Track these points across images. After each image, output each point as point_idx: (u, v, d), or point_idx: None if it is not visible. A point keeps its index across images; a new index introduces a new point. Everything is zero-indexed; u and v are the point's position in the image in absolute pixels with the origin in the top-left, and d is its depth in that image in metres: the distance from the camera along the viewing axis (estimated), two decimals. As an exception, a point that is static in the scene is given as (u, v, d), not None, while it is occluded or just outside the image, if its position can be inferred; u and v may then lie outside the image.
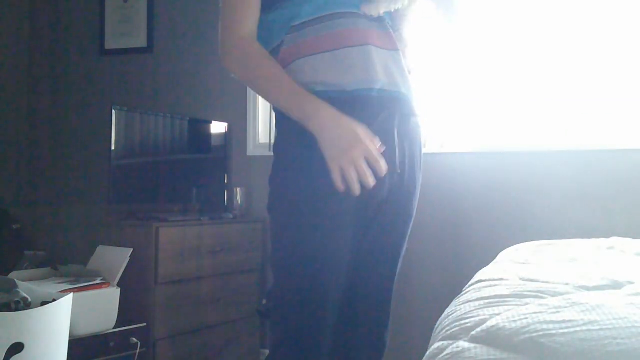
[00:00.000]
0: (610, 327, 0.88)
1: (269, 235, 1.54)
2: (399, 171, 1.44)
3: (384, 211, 1.46)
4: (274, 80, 1.35)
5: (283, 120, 1.41)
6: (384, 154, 1.33)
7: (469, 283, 1.42)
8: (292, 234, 1.39)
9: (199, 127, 3.16)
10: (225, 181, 3.21)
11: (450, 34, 1.62)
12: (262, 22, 1.42)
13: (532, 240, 2.01)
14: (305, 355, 1.41)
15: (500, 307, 1.05)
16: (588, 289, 1.16)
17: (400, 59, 1.44)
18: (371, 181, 1.30)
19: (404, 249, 1.57)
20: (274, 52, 1.41)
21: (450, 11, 1.55)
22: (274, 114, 1.69)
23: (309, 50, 1.36)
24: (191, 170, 3.10)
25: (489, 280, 1.32)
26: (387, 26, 1.44)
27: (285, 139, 1.42)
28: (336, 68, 1.35)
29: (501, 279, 1.30)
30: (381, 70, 1.38)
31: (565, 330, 0.89)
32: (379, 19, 1.42)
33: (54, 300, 2.02)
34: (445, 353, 0.92)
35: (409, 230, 1.56)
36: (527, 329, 0.91)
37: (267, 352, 3.25)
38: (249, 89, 3.21)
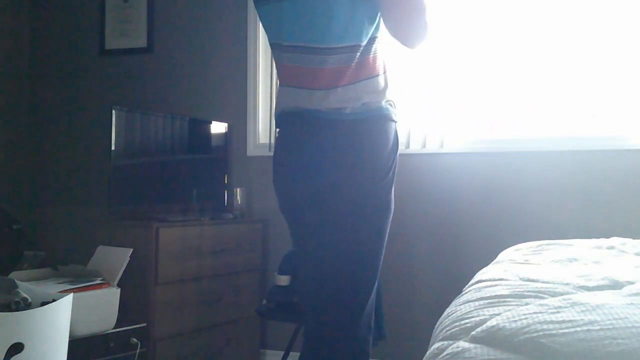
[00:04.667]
0: (610, 327, 0.88)
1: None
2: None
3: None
4: None
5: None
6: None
7: (469, 283, 1.42)
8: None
9: (199, 127, 3.16)
10: (225, 181, 3.21)
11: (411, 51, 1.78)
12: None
13: (532, 240, 2.01)
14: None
15: (500, 307, 1.05)
16: (588, 289, 1.16)
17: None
18: None
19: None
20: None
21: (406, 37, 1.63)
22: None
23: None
24: (191, 170, 3.10)
25: (489, 280, 1.32)
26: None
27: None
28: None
29: (501, 279, 1.30)
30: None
31: (565, 330, 0.89)
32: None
33: (54, 300, 2.02)
34: (445, 353, 0.92)
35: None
36: (527, 329, 0.91)
37: (267, 352, 3.26)
38: (249, 89, 3.21)
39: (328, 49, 1.51)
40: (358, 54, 1.53)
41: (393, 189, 1.63)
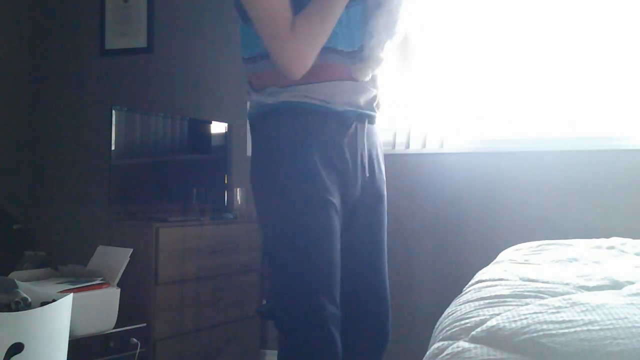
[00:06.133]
0: (610, 327, 0.88)
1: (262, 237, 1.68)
2: (367, 174, 1.64)
3: (359, 210, 1.65)
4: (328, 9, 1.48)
5: (262, 127, 1.59)
6: (354, 159, 1.59)
7: (469, 283, 1.42)
8: (287, 238, 1.55)
9: (199, 127, 3.16)
10: (225, 181, 3.21)
11: (404, 76, 1.86)
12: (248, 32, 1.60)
13: (532, 240, 2.01)
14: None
15: (500, 307, 1.05)
16: (588, 289, 1.16)
17: (366, 87, 1.63)
18: None
19: (384, 243, 1.72)
20: (251, 61, 1.60)
21: (404, 60, 1.78)
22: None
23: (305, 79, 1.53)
24: (191, 170, 3.10)
25: (489, 280, 1.32)
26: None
27: (267, 145, 1.58)
28: (327, 94, 1.55)
29: (501, 279, 1.30)
30: (355, 97, 1.60)
31: (565, 330, 0.89)
32: (354, 56, 1.59)
33: (54, 300, 2.02)
34: (445, 353, 0.92)
35: (385, 225, 1.72)
36: (527, 329, 0.91)
37: (267, 352, 3.26)
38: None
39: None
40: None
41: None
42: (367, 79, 1.59)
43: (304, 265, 1.53)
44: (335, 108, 1.55)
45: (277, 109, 1.56)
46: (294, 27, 1.46)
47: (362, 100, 1.61)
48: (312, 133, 1.54)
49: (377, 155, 1.71)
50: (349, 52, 1.57)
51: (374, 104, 1.66)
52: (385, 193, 1.74)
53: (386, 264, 1.73)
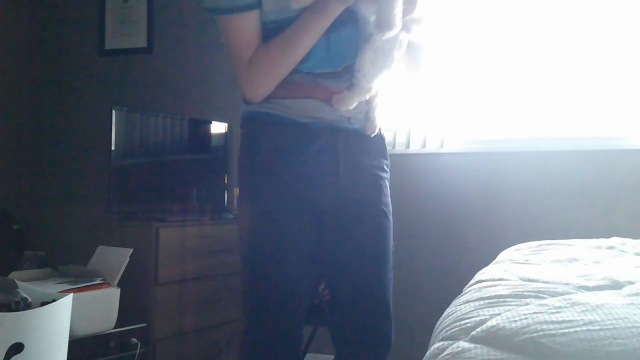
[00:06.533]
0: (610, 327, 0.88)
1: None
2: (342, 181, 1.61)
3: (337, 216, 1.63)
4: (299, 33, 1.49)
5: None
6: (326, 168, 1.58)
7: (469, 283, 1.42)
8: (245, 233, 1.61)
9: (199, 127, 3.16)
10: (225, 181, 3.20)
11: (412, 83, 1.82)
12: None
13: (532, 240, 2.01)
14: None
15: (500, 307, 1.05)
16: (588, 289, 1.16)
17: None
18: None
19: (385, 252, 1.69)
20: None
21: (412, 69, 1.73)
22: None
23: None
24: (191, 170, 3.09)
25: (489, 280, 1.32)
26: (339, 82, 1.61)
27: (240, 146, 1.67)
28: (293, 107, 1.59)
29: (501, 279, 1.30)
30: (322, 113, 1.60)
31: (565, 330, 0.89)
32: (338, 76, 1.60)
33: (54, 300, 2.02)
34: (445, 353, 0.92)
35: (383, 234, 1.68)
36: (527, 329, 0.91)
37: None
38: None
39: None
40: None
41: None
42: (352, 107, 1.58)
43: (251, 283, 1.65)
44: (300, 120, 1.58)
45: (251, 117, 1.63)
46: (252, 61, 1.52)
47: (333, 115, 1.60)
48: (271, 141, 1.59)
49: (367, 165, 1.66)
50: (332, 72, 1.58)
51: (351, 118, 1.63)
52: (384, 201, 1.69)
53: (386, 274, 1.69)
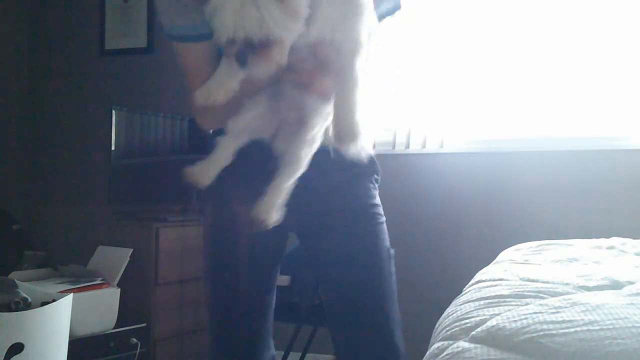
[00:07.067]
0: (610, 327, 0.88)
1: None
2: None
3: (307, 232, 1.63)
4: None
5: None
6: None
7: (469, 283, 1.42)
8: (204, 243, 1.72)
9: (199, 127, 3.15)
10: (225, 181, 3.20)
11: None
12: None
13: (532, 240, 2.01)
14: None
15: (500, 307, 1.05)
16: (588, 289, 1.16)
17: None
18: None
19: (364, 269, 1.65)
20: None
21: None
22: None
23: None
24: (191, 170, 3.09)
25: (489, 280, 1.32)
26: None
27: None
28: None
29: (501, 279, 1.30)
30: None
31: (565, 330, 0.89)
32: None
33: (54, 300, 2.02)
34: (445, 353, 0.92)
35: (362, 239, 1.64)
36: (527, 329, 0.91)
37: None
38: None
39: None
40: None
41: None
42: None
43: (208, 298, 1.71)
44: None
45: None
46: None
47: None
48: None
49: (328, 182, 1.57)
50: None
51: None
52: (352, 218, 1.61)
53: (381, 283, 1.67)
